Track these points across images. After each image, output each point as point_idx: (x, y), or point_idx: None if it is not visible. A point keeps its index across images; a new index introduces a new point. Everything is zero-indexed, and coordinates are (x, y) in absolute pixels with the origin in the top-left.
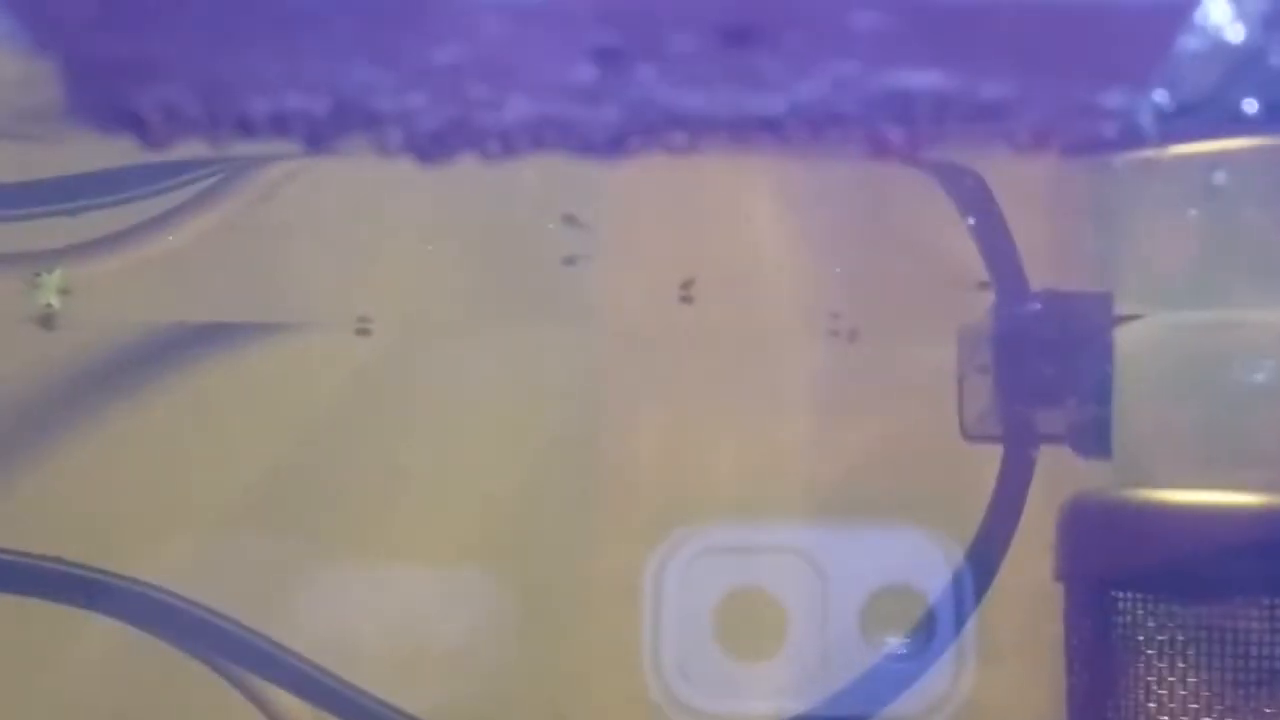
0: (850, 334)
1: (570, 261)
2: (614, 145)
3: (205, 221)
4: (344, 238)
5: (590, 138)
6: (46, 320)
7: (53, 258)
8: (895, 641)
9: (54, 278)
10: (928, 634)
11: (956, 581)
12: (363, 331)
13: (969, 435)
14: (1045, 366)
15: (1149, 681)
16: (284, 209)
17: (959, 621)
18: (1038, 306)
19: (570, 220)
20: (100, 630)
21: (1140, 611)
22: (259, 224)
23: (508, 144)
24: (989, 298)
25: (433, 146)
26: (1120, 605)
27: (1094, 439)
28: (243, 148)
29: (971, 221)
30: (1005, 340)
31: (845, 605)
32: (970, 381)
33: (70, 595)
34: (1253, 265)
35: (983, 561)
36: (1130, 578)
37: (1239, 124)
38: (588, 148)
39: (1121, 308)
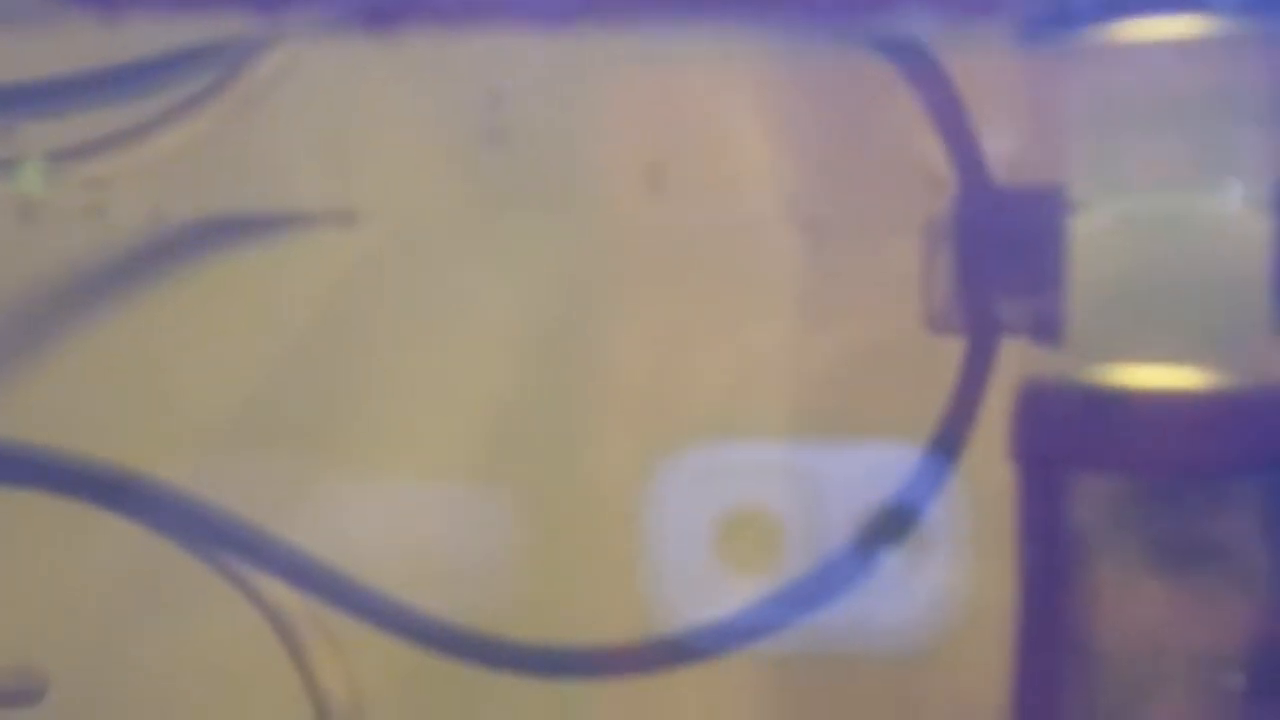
0: (818, 227)
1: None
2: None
3: (202, 117)
4: (338, 131)
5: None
6: (26, 212)
7: (46, 154)
8: (857, 535)
9: (34, 168)
10: (890, 526)
11: (918, 473)
12: (354, 224)
13: (934, 328)
14: (1004, 258)
15: (1098, 559)
16: (280, 103)
17: (919, 512)
18: (996, 199)
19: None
20: (97, 523)
21: (1089, 490)
22: (255, 119)
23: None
24: (952, 191)
25: (377, 18)
26: (1070, 484)
27: (1052, 328)
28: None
29: (936, 115)
30: (966, 233)
31: (809, 500)
32: (934, 274)
33: (68, 489)
34: (1204, 155)
35: (944, 451)
36: (1080, 457)
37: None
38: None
39: (1075, 198)
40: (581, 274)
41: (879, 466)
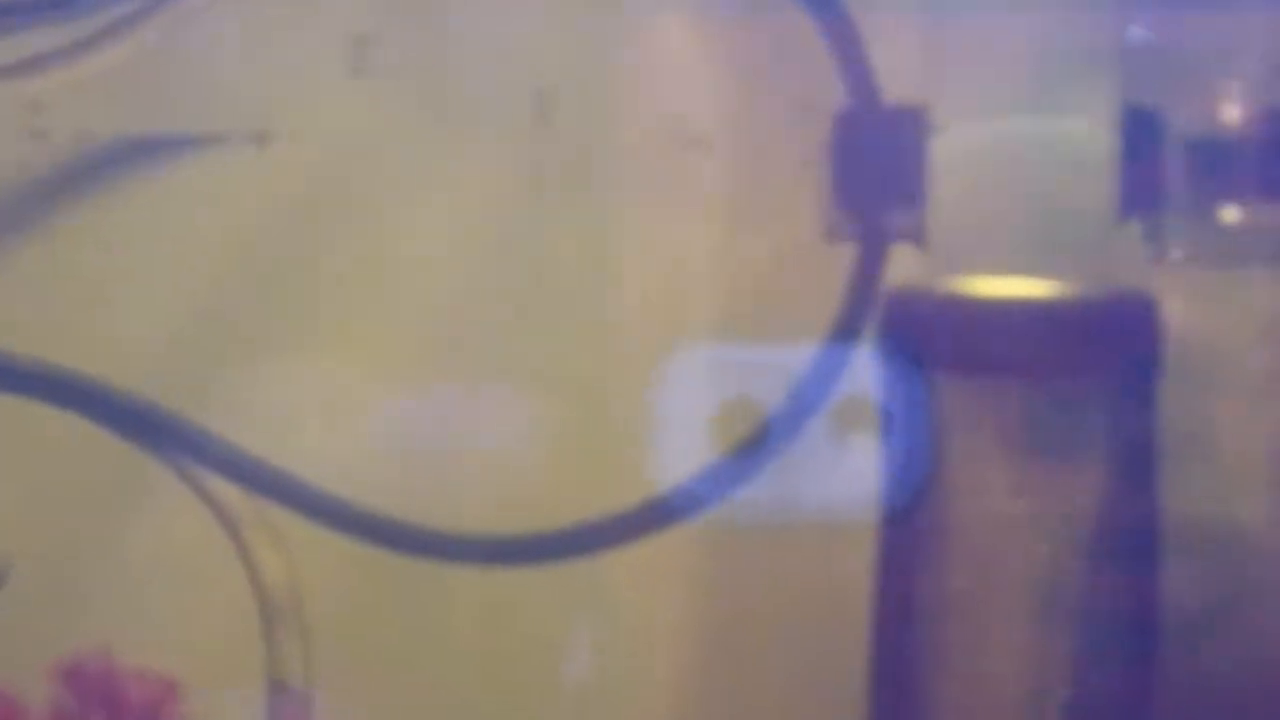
0: (712, 145)
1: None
2: None
3: (135, 38)
4: (268, 52)
5: None
6: None
7: None
8: (772, 419)
9: None
10: (779, 428)
11: (806, 379)
12: (273, 141)
13: (827, 238)
14: (886, 171)
15: (956, 455)
16: (209, 25)
17: (808, 417)
18: (877, 116)
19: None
20: (56, 423)
21: (947, 387)
22: (187, 39)
23: None
24: (840, 109)
25: None
26: (930, 382)
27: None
28: None
29: (830, 39)
30: (851, 151)
31: (731, 390)
32: (825, 186)
33: (25, 389)
34: (1050, 81)
35: (835, 356)
36: (938, 357)
37: None
38: None
39: (941, 117)
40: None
41: (787, 359)
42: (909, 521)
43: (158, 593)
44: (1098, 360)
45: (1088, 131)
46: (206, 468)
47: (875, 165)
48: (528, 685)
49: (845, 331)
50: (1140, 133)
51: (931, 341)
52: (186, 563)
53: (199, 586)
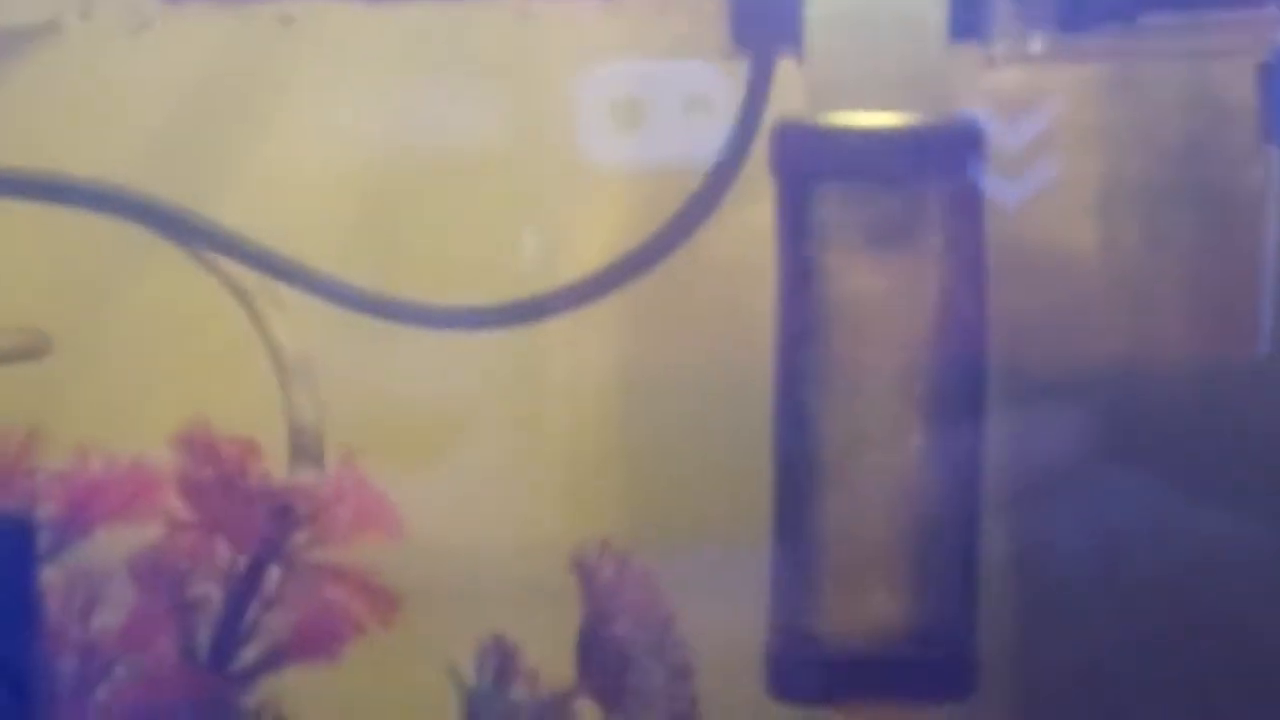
0: None
1: None
2: None
3: None
4: None
5: None
6: None
7: None
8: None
9: None
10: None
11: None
12: None
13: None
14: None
15: (829, 246)
16: None
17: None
18: None
19: None
20: (86, 220)
21: (822, 195)
22: None
23: None
24: None
25: None
26: (809, 192)
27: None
28: None
29: None
30: None
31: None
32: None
33: (59, 198)
34: None
35: (734, 156)
36: (814, 173)
37: None
38: None
39: None
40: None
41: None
42: (799, 301)
43: (182, 357)
44: (936, 170)
45: None
46: (218, 251)
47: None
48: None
49: (739, 143)
50: None
51: (808, 160)
52: (209, 331)
53: (221, 352)
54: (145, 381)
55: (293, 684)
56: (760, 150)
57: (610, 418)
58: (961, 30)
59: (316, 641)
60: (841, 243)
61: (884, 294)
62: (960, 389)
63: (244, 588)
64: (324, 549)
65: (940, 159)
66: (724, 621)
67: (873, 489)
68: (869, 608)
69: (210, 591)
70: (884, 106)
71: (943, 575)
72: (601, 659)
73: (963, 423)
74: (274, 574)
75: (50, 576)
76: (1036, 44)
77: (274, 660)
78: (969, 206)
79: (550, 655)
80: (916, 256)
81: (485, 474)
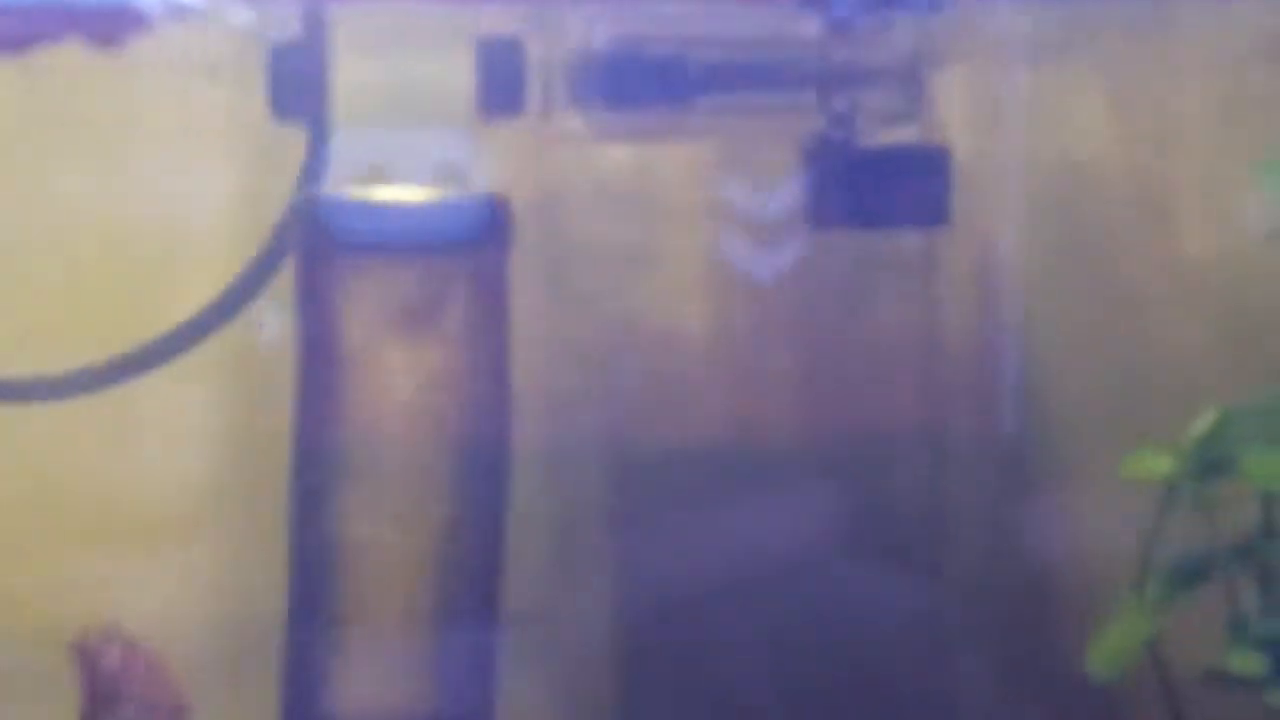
0: None
1: None
2: None
3: None
4: None
5: None
6: None
7: None
8: None
9: None
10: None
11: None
12: None
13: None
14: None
15: (359, 337)
16: None
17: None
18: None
19: None
20: None
21: (350, 278)
22: None
23: None
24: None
25: None
26: (335, 273)
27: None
28: None
29: None
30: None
31: None
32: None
33: None
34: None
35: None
36: (340, 249)
37: None
38: None
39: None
40: None
41: None
42: (320, 378)
43: None
44: (460, 249)
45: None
46: None
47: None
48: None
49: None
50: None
51: (333, 235)
52: None
53: None
54: None
55: None
56: None
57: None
58: (497, 106)
59: None
60: (363, 319)
61: (406, 370)
62: (483, 466)
63: None
64: None
65: (465, 236)
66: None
67: (393, 568)
68: (384, 689)
69: None
70: (411, 181)
71: (460, 657)
72: None
73: (485, 501)
74: None
75: None
76: (577, 121)
77: None
78: (493, 283)
79: None
80: (439, 333)
81: None
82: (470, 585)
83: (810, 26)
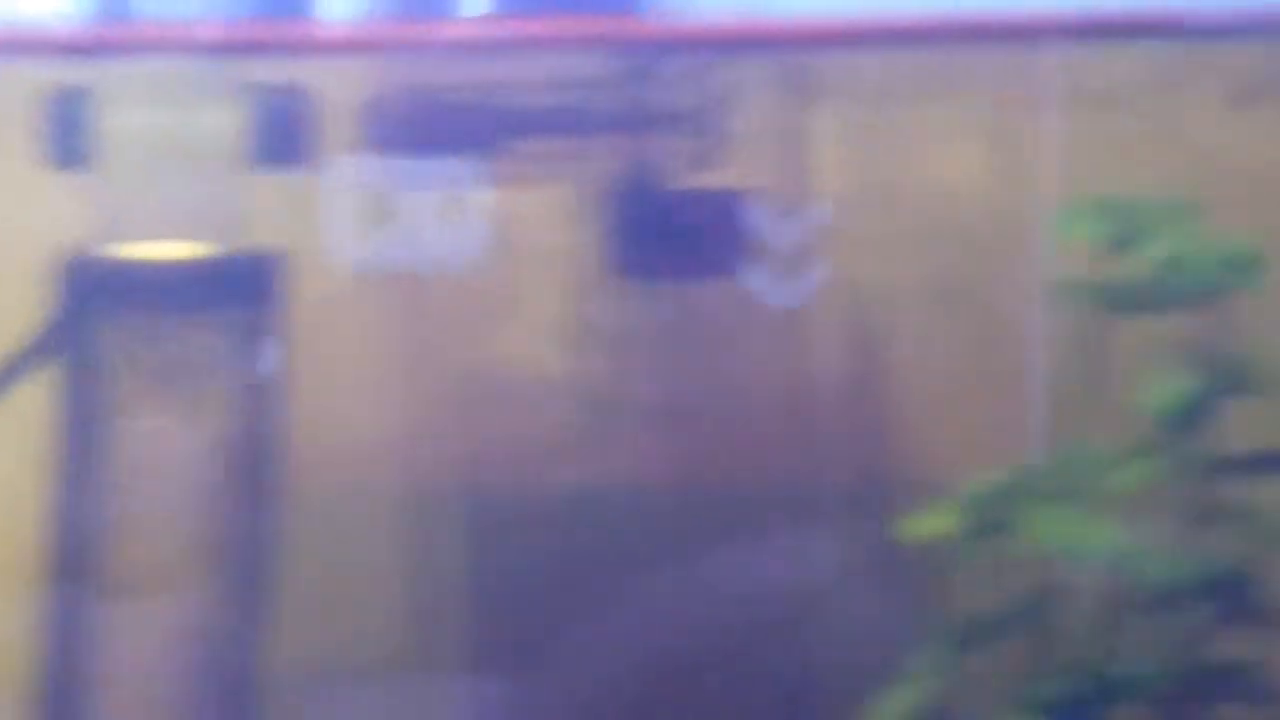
0: None
1: None
2: None
3: None
4: None
5: None
6: None
7: None
8: None
9: None
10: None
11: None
12: None
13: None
14: None
15: (121, 396)
16: None
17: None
18: None
19: None
20: None
21: (108, 331)
22: None
23: None
24: None
25: None
26: (97, 330)
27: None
28: None
29: None
30: None
31: None
32: None
33: None
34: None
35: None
36: (102, 308)
37: None
38: None
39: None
40: None
41: None
42: (80, 438)
43: None
44: (226, 305)
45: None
46: None
47: None
48: None
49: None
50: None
51: (95, 292)
52: None
53: None
54: None
55: None
56: None
57: None
58: (271, 157)
59: None
60: (125, 377)
61: (169, 430)
62: (248, 528)
63: None
64: None
65: (231, 291)
66: None
67: (152, 634)
68: None
69: None
70: (177, 236)
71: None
72: None
73: (248, 566)
74: None
75: None
76: (365, 171)
77: None
78: (259, 339)
79: None
80: (204, 390)
81: None
82: (228, 651)
83: (612, 69)
